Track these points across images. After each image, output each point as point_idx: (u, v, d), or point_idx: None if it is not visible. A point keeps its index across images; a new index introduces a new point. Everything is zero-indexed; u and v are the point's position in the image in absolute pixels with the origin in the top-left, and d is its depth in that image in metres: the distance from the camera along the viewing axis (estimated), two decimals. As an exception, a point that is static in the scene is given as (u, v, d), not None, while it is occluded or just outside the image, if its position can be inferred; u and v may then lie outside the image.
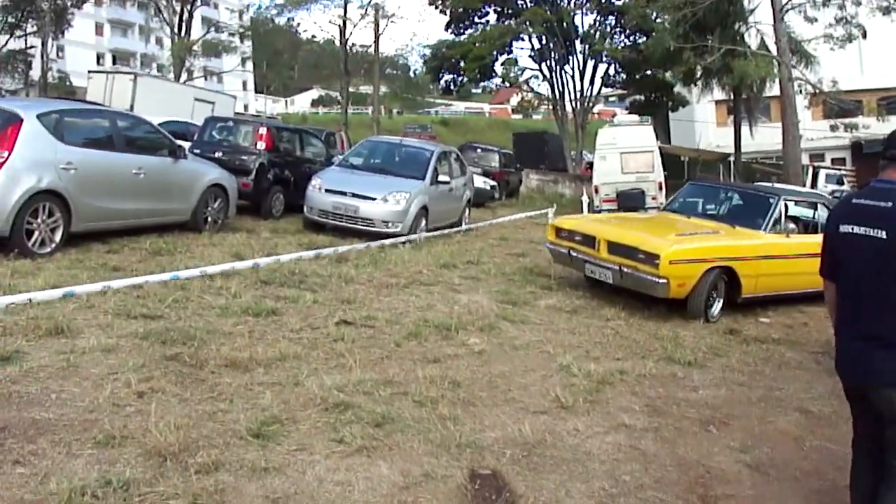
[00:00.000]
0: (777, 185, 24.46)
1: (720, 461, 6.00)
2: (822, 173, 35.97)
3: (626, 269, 10.59)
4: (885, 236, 4.23)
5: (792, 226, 12.38)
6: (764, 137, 42.13)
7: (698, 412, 7.02)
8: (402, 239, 13.75)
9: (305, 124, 43.42)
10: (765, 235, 11.76)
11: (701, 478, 5.66)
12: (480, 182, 25.86)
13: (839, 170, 40.83)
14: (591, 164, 31.89)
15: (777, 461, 6.14)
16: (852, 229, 4.42)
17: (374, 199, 14.92)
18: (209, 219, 13.41)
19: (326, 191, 15.23)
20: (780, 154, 32.76)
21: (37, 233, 9.70)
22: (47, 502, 4.09)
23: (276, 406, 5.73)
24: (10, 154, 9.29)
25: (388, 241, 13.28)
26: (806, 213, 13.39)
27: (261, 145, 16.61)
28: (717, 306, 11.00)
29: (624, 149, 26.06)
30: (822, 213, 12.59)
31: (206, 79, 62.87)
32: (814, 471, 6.06)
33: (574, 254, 11.61)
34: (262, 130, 16.99)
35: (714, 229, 11.77)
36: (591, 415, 6.53)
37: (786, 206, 12.36)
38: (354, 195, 14.97)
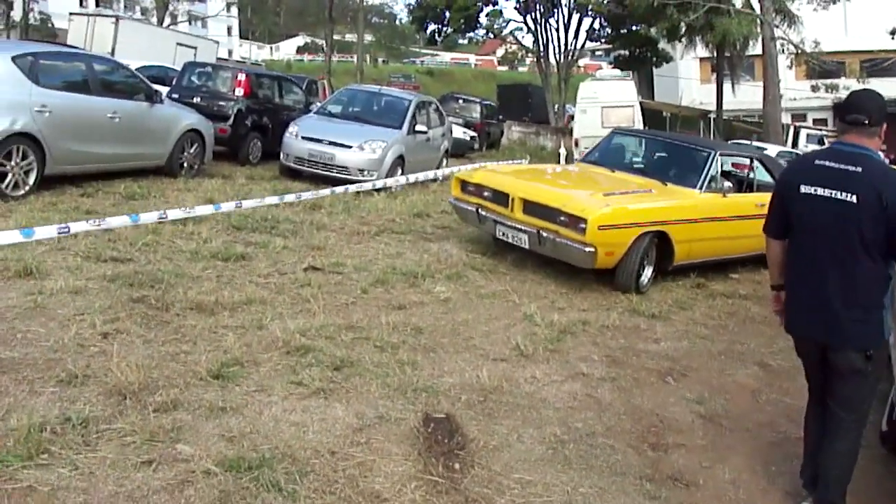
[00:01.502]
0: (752, 143, 24.63)
1: (675, 411, 6.13)
2: (804, 133, 36.04)
3: (544, 234, 9.18)
4: (855, 200, 4.31)
5: (728, 184, 11.17)
6: (746, 95, 42.22)
7: (657, 363, 7.14)
8: (379, 185, 13.66)
9: (290, 72, 43.15)
10: (700, 195, 10.40)
11: (653, 427, 5.79)
12: (460, 132, 25.89)
13: (820, 130, 40.89)
14: (572, 118, 31.89)
15: (732, 413, 6.28)
16: (815, 191, 4.49)
17: (350, 146, 14.92)
18: (185, 164, 13.39)
19: (303, 138, 15.21)
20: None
21: (10, 175, 9.67)
22: (7, 437, 4.16)
23: (238, 348, 5.82)
24: (-17, 96, 9.22)
25: (359, 188, 13.23)
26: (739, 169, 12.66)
27: (239, 91, 16.52)
28: (648, 275, 9.74)
29: (605, 103, 26.05)
30: (757, 170, 11.93)
31: (190, 23, 62.42)
32: (767, 423, 6.21)
33: (483, 213, 10.08)
34: (241, 77, 16.89)
35: (644, 187, 10.33)
36: (549, 363, 6.65)
37: (721, 162, 11.28)
38: (331, 143, 14.95)
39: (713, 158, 10.82)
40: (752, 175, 11.93)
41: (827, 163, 4.51)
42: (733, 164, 21.58)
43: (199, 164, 13.87)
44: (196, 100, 15.84)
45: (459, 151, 24.68)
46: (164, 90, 14.27)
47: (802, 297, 4.74)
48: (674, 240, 9.71)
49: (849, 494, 4.76)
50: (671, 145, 12.40)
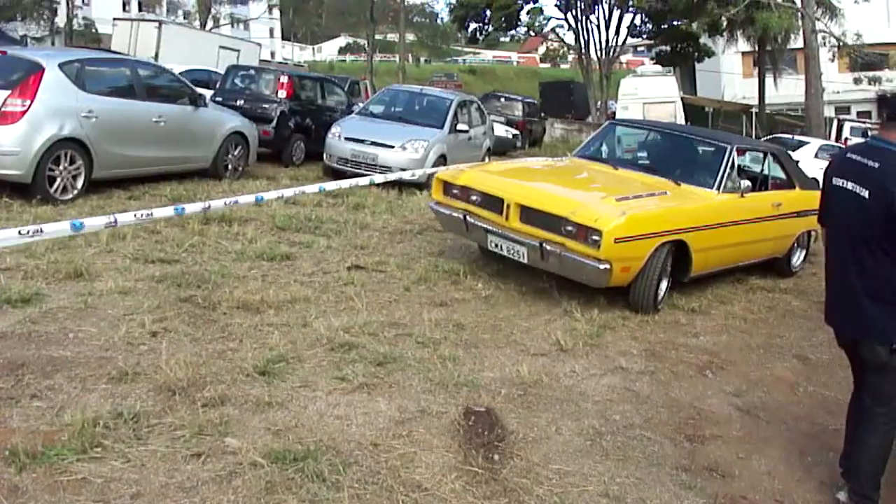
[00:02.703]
0: (794, 137, 24.36)
1: (712, 404, 6.20)
2: (847, 126, 35.71)
3: (548, 247, 7.89)
4: (867, 195, 4.40)
5: (747, 183, 9.81)
6: (788, 89, 41.85)
7: (696, 357, 7.20)
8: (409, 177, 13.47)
9: (332, 73, 43.41)
10: (717, 196, 9.16)
11: (691, 419, 5.85)
12: (502, 131, 25.84)
13: (864, 122, 40.48)
14: (615, 114, 31.84)
15: (769, 405, 6.33)
16: (843, 184, 4.60)
17: (392, 147, 15.05)
18: (229, 166, 13.55)
19: (346, 139, 15.37)
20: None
21: (59, 179, 9.88)
22: (62, 432, 4.32)
23: (283, 346, 5.97)
24: (32, 102, 9.45)
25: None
26: (754, 165, 11.54)
27: (282, 94, 16.71)
28: (664, 289, 8.55)
29: (646, 99, 26.11)
30: (771, 166, 10.70)
31: (232, 26, 62.82)
32: (805, 415, 6.24)
33: (472, 220, 8.63)
34: (284, 79, 17.06)
35: (657, 188, 9.01)
36: (589, 357, 6.73)
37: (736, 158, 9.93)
38: (373, 143, 15.10)
39: (730, 154, 9.57)
40: (765, 170, 10.68)
41: (855, 156, 4.62)
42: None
43: (244, 166, 14.02)
44: (240, 102, 16.02)
45: (502, 150, 24.66)
46: (207, 94, 14.44)
47: (832, 290, 4.85)
48: (692, 249, 8.54)
49: (883, 487, 4.82)
50: (682, 139, 11.02)
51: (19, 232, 5.86)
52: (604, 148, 10.91)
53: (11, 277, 6.78)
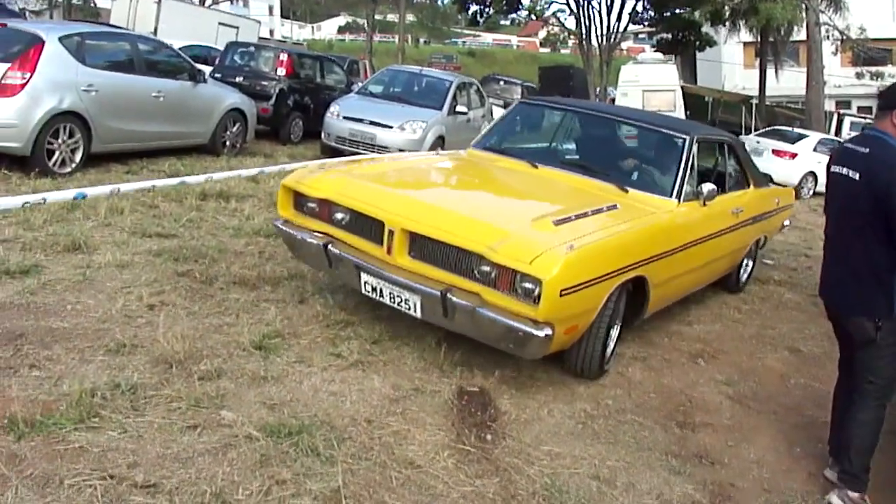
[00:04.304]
0: (793, 130, 24.32)
1: (703, 392, 6.27)
2: (847, 121, 35.73)
3: (455, 299, 5.22)
4: (857, 178, 4.59)
5: (711, 186, 7.04)
6: (790, 81, 41.79)
7: (689, 345, 7.26)
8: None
9: (331, 52, 43.34)
10: (677, 207, 6.80)
11: (682, 406, 5.92)
12: (501, 114, 25.82)
13: (864, 118, 40.50)
14: (614, 101, 31.82)
15: (760, 395, 6.40)
16: (838, 169, 4.82)
17: (390, 127, 15.13)
18: (227, 142, 13.60)
19: (344, 118, 15.44)
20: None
21: (57, 153, 9.91)
22: (60, 402, 4.36)
23: (279, 321, 6.00)
24: (31, 75, 9.46)
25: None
26: (707, 159, 8.48)
27: (281, 71, 16.76)
28: (614, 338, 6.18)
29: (646, 86, 26.03)
30: (728, 160, 8.46)
31: (231, 2, 62.54)
32: (794, 406, 6.30)
33: (336, 251, 5.87)
34: (283, 57, 17.11)
35: (603, 200, 6.34)
36: (582, 342, 6.75)
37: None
38: (372, 123, 15.19)
39: (689, 148, 7.24)
40: (722, 167, 8.45)
41: (851, 145, 4.88)
42: (775, 152, 21.43)
43: (241, 143, 14.06)
44: (238, 79, 16.06)
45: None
46: (206, 70, 14.45)
47: (828, 267, 5.08)
48: (651, 284, 6.18)
49: (872, 474, 4.88)
50: (624, 126, 8.39)
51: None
52: (515, 136, 8.56)
53: (10, 249, 6.80)
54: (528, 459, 4.67)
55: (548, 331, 5.02)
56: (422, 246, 5.50)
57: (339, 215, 6.00)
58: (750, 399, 6.29)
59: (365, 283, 5.73)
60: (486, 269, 5.17)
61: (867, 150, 4.63)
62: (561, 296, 4.99)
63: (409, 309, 5.55)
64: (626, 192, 6.79)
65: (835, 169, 4.88)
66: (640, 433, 5.33)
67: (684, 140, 7.32)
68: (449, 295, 5.22)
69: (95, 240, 7.41)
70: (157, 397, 4.59)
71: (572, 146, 8.39)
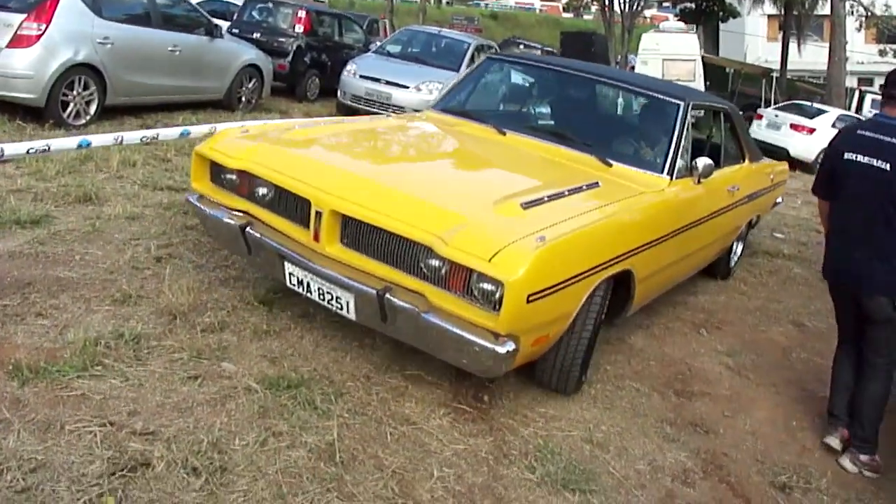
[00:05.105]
0: (812, 105, 24.13)
1: (704, 361, 6.30)
2: (868, 98, 35.46)
3: (395, 300, 4.28)
4: (888, 168, 4.75)
5: (707, 161, 5.97)
6: (812, 56, 41.49)
7: (693, 315, 7.30)
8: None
9: (351, 10, 43.15)
10: (669, 185, 5.84)
11: (681, 374, 5.96)
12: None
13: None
14: (633, 68, 31.64)
15: (760, 367, 6.43)
16: (856, 157, 4.93)
17: (406, 87, 15.12)
18: (243, 98, 13.65)
19: (361, 76, 15.44)
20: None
21: (72, 105, 9.94)
22: (64, 350, 4.44)
23: (284, 278, 6.05)
24: (47, 27, 9.46)
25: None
26: (701, 129, 7.61)
27: (299, 28, 16.78)
28: (594, 343, 5.19)
29: (666, 55, 25.77)
30: (724, 130, 7.63)
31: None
32: (795, 380, 6.34)
33: (255, 234, 4.89)
34: (301, 14, 17.11)
35: (583, 177, 5.44)
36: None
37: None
38: (388, 82, 15.19)
39: (684, 116, 6.26)
40: (717, 137, 7.65)
41: (867, 133, 4.97)
42: (793, 126, 21.22)
43: (257, 99, 14.09)
44: (256, 35, 16.10)
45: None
46: (224, 25, 14.46)
47: (842, 248, 5.16)
48: (637, 278, 5.24)
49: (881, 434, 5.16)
50: (609, 88, 7.29)
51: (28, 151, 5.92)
52: (482, 97, 7.43)
53: (22, 199, 6.85)
54: (523, 421, 4.73)
55: (510, 346, 4.10)
56: (356, 232, 4.51)
57: (261, 190, 4.99)
58: (750, 371, 6.32)
59: (290, 274, 4.79)
60: (435, 263, 4.19)
61: (893, 139, 4.78)
62: (528, 302, 4.01)
63: (341, 309, 4.61)
64: (610, 165, 5.85)
65: (849, 156, 4.97)
66: (636, 399, 5.38)
67: (678, 106, 6.33)
68: (388, 295, 4.29)
69: (106, 192, 7.47)
70: (160, 348, 4.67)
71: (547, 110, 7.36)
